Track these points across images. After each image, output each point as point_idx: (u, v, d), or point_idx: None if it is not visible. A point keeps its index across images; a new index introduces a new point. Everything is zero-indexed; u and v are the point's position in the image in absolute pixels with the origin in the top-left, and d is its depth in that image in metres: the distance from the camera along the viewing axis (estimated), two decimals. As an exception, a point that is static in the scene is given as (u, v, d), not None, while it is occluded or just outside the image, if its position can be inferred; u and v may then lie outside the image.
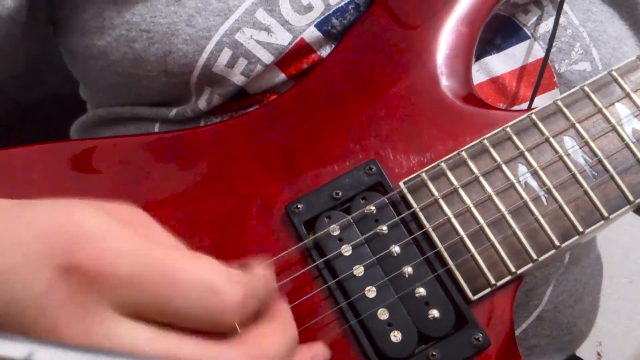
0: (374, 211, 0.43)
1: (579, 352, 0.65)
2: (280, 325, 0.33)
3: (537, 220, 0.42)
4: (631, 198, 0.42)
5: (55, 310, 0.28)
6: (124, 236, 0.30)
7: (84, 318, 0.28)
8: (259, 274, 0.32)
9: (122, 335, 0.28)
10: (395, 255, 0.42)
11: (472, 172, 0.43)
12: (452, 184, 0.43)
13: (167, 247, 0.31)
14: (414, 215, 0.43)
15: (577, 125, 0.43)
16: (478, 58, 0.52)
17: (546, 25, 0.53)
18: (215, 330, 0.30)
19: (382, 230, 0.42)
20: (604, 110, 0.44)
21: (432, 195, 0.43)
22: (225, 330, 0.30)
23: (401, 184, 0.43)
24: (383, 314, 0.41)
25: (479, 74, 0.52)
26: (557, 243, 0.41)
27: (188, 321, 0.29)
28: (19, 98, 0.74)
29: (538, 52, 0.52)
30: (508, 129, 0.44)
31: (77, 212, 0.30)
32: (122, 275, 0.29)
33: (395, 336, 0.41)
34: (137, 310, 0.29)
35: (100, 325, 0.28)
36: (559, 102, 0.44)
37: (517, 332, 0.54)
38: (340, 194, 0.43)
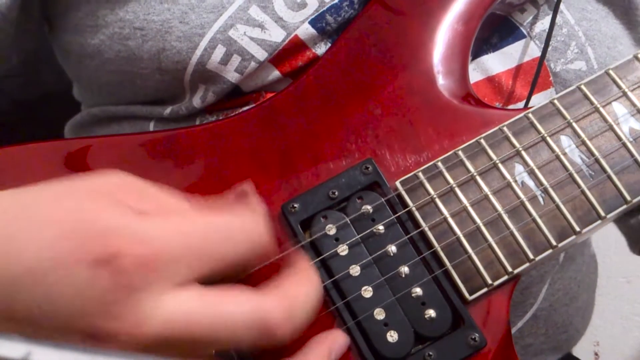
0: (370, 210, 0.43)
1: (576, 352, 0.65)
2: (304, 274, 0.35)
3: (533, 220, 0.42)
4: (628, 197, 0.42)
5: (106, 296, 0.29)
6: (146, 218, 0.31)
7: (137, 297, 0.29)
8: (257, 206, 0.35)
9: (177, 304, 0.30)
10: (392, 255, 0.42)
11: (469, 172, 0.43)
12: (448, 183, 0.43)
13: (186, 210, 0.33)
14: (410, 214, 0.43)
15: (574, 124, 0.43)
16: (474, 57, 0.52)
17: (542, 25, 0.53)
18: (254, 266, 0.34)
19: (379, 229, 0.42)
20: (601, 109, 0.43)
21: (429, 194, 0.43)
22: (265, 258, 0.35)
23: (397, 183, 0.43)
24: (379, 314, 0.41)
25: (476, 73, 0.52)
26: (553, 243, 0.41)
27: (242, 263, 0.33)
28: (16, 96, 0.74)
29: (534, 51, 0.52)
30: (504, 128, 0.44)
31: (86, 205, 0.30)
32: (172, 251, 0.30)
33: (392, 336, 0.41)
34: (190, 275, 0.31)
35: (154, 301, 0.29)
36: (556, 101, 0.44)
37: (512, 331, 0.54)
38: (336, 193, 0.43)
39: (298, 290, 0.33)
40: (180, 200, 0.34)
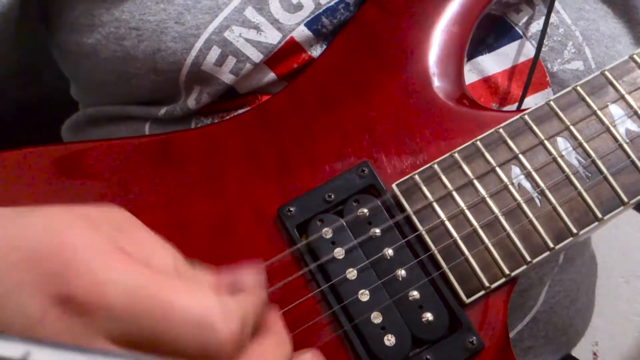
0: (367, 214, 0.43)
1: (575, 352, 0.65)
2: (276, 339, 0.33)
3: (530, 222, 0.42)
4: (625, 199, 0.42)
5: (50, 338, 0.28)
6: (114, 260, 0.29)
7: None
8: (252, 292, 0.32)
9: None
10: (389, 258, 0.42)
11: (466, 174, 0.43)
12: (445, 185, 0.43)
13: (160, 273, 0.30)
14: (407, 217, 0.42)
15: (571, 126, 0.43)
16: (470, 58, 0.52)
17: (538, 25, 0.53)
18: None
19: (376, 233, 0.42)
20: (597, 111, 0.43)
21: (425, 197, 0.42)
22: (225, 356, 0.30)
23: (394, 186, 0.43)
24: (377, 318, 0.41)
25: (471, 74, 0.52)
26: (551, 245, 0.41)
27: (182, 354, 0.29)
28: (15, 96, 0.74)
29: (530, 51, 0.52)
30: (501, 130, 0.43)
31: (65, 232, 0.29)
32: (115, 307, 0.28)
33: (389, 340, 0.41)
34: (130, 340, 0.29)
35: None
36: (552, 103, 0.44)
37: (512, 334, 0.54)
38: (332, 196, 0.43)
39: (268, 358, 0.31)
40: (166, 258, 0.32)
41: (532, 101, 0.51)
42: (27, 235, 0.29)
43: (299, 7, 0.48)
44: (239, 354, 0.30)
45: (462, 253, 0.41)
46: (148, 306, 0.29)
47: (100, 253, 0.29)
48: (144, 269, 0.30)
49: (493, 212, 0.42)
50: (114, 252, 0.30)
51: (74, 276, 0.28)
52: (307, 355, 0.36)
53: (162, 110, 0.52)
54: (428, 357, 0.40)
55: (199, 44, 0.47)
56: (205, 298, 0.30)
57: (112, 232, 0.30)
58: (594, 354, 1.10)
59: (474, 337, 0.41)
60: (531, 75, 0.50)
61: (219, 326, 0.29)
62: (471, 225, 0.42)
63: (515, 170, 0.43)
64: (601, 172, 0.42)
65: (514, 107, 0.52)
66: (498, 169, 0.43)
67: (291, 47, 0.49)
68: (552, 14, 0.52)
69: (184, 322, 0.29)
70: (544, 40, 0.51)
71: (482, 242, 0.41)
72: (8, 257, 0.28)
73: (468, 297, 0.41)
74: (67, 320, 0.28)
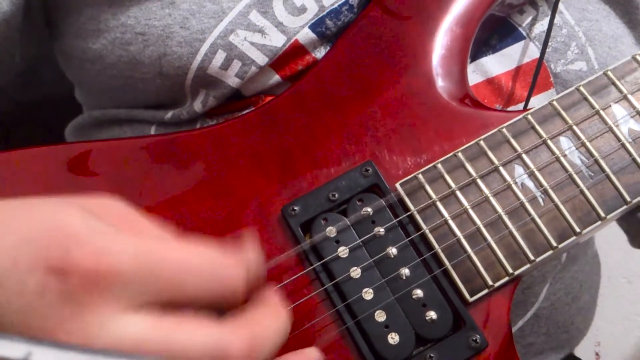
0: (371, 213, 0.43)
1: (577, 352, 0.65)
2: (273, 309, 0.33)
3: (533, 221, 0.42)
4: (628, 198, 0.42)
5: (52, 310, 0.27)
6: (114, 233, 0.29)
7: (83, 316, 0.28)
8: (251, 256, 0.33)
9: (124, 328, 0.28)
10: (392, 257, 0.42)
11: (469, 174, 0.43)
12: (448, 184, 0.43)
13: (160, 237, 0.31)
14: (410, 216, 0.43)
15: (574, 126, 0.43)
16: (474, 59, 0.52)
17: (541, 26, 0.53)
18: (220, 306, 0.31)
19: (379, 232, 0.42)
20: (601, 111, 0.44)
21: (429, 196, 0.43)
22: (231, 305, 0.32)
23: (398, 185, 0.43)
24: (380, 316, 0.41)
25: (475, 75, 0.52)
26: (554, 244, 0.41)
27: (196, 302, 0.30)
28: (17, 98, 0.74)
29: (533, 52, 0.52)
30: (504, 130, 0.44)
31: (60, 213, 0.29)
32: (126, 271, 0.28)
33: (393, 338, 0.41)
34: (141, 301, 0.29)
35: (100, 322, 0.28)
36: (555, 103, 0.44)
37: (513, 330, 0.54)
38: (336, 195, 0.43)
39: (264, 324, 0.32)
40: (164, 229, 0.32)
41: (536, 101, 0.51)
42: (23, 219, 0.29)
43: (302, 10, 0.49)
44: (237, 312, 0.31)
45: (466, 252, 0.42)
46: (159, 265, 0.29)
47: (98, 229, 0.29)
48: (146, 237, 0.30)
49: (496, 211, 0.42)
50: (112, 230, 0.30)
51: (75, 247, 0.28)
52: (312, 352, 0.36)
53: (169, 114, 0.52)
54: (431, 355, 0.41)
55: (204, 48, 0.48)
56: (210, 251, 0.31)
57: (109, 219, 0.30)
58: (596, 354, 1.10)
59: (478, 336, 0.41)
60: (537, 75, 0.50)
61: (229, 270, 0.31)
62: (475, 224, 0.42)
63: (519, 169, 0.43)
64: (604, 171, 0.42)
65: (517, 107, 0.52)
66: (501, 168, 0.43)
67: (296, 50, 0.49)
68: (556, 15, 0.52)
69: (197, 270, 0.30)
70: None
71: (486, 240, 0.42)
72: (5, 238, 0.28)
73: (471, 295, 0.41)
74: (68, 290, 0.27)
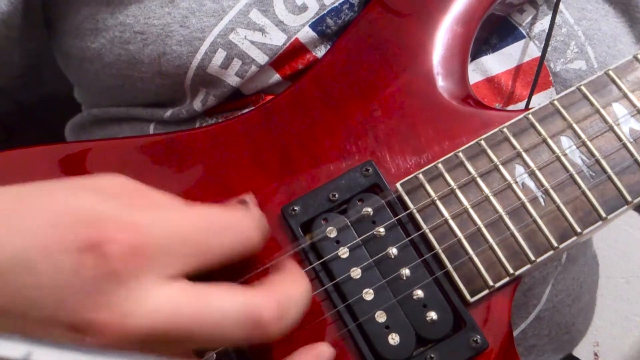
0: (371, 213, 0.43)
1: (576, 352, 0.65)
2: (294, 273, 0.35)
3: (534, 221, 0.42)
4: (629, 198, 0.42)
5: (91, 285, 0.28)
6: (134, 208, 0.30)
7: (120, 290, 0.28)
8: (253, 209, 0.36)
9: (164, 296, 0.29)
10: (393, 257, 0.42)
11: (469, 173, 0.43)
12: (449, 185, 0.43)
13: (172, 206, 0.33)
14: (411, 216, 0.43)
15: (574, 125, 0.43)
16: (474, 58, 0.52)
17: (541, 25, 0.53)
18: (249, 255, 0.34)
19: (379, 232, 0.42)
20: (601, 110, 0.43)
21: (429, 196, 0.43)
22: (253, 252, 0.34)
23: (398, 185, 0.43)
24: (381, 317, 0.41)
25: (475, 74, 0.52)
26: (555, 244, 0.41)
27: (223, 259, 0.32)
28: (17, 98, 0.74)
29: (533, 51, 0.52)
30: (505, 130, 0.44)
31: (77, 197, 0.30)
32: (161, 242, 0.30)
33: (393, 339, 0.41)
34: (179, 267, 0.30)
35: (140, 292, 0.29)
36: (556, 102, 0.44)
37: (516, 333, 0.54)
38: (336, 195, 0.43)
39: (288, 288, 0.34)
40: (173, 198, 0.34)
41: (536, 100, 0.51)
42: (42, 204, 0.29)
43: (303, 8, 0.49)
44: (261, 277, 0.35)
45: (466, 252, 0.41)
46: (185, 231, 0.31)
47: (120, 207, 0.30)
48: (164, 208, 0.32)
49: (497, 211, 0.42)
50: (131, 205, 0.31)
51: (104, 225, 0.29)
52: (323, 346, 0.38)
53: (168, 113, 0.52)
54: (432, 356, 0.41)
55: (204, 47, 0.48)
56: (221, 210, 0.34)
57: (122, 196, 0.31)
58: (595, 354, 1.10)
59: (478, 336, 0.41)
60: (538, 74, 0.50)
61: (245, 222, 0.34)
62: (475, 224, 0.42)
63: (519, 169, 0.43)
64: (605, 171, 0.42)
65: (517, 106, 0.52)
66: (502, 168, 0.43)
67: (296, 49, 0.49)
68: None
69: (219, 229, 0.32)
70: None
71: (486, 241, 0.42)
72: (30, 223, 0.28)
73: (472, 296, 0.41)
74: (108, 265, 0.28)
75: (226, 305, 0.30)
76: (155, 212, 0.31)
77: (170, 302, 0.29)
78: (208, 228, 0.32)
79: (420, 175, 0.43)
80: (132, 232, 0.29)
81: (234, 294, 0.31)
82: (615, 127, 0.43)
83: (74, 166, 0.45)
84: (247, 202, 0.37)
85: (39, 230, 0.28)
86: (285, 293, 0.33)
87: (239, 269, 0.40)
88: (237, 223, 0.33)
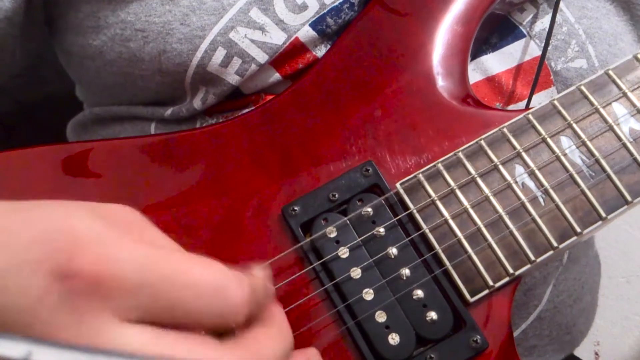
0: (371, 213, 0.43)
1: (576, 352, 0.65)
2: (277, 330, 0.33)
3: (534, 221, 0.42)
4: (629, 198, 0.42)
5: (51, 315, 0.27)
6: (122, 241, 0.29)
7: (81, 324, 0.27)
8: (259, 276, 0.32)
9: (121, 339, 0.28)
10: (393, 257, 0.42)
11: (469, 173, 0.43)
12: (449, 184, 0.43)
13: (168, 250, 0.31)
14: (410, 216, 0.43)
15: (574, 125, 0.43)
16: (474, 57, 0.52)
17: (542, 24, 0.53)
18: (220, 329, 0.30)
19: (379, 232, 0.42)
20: (601, 109, 0.43)
21: (429, 196, 0.43)
22: (232, 326, 0.30)
23: (398, 185, 0.43)
24: (381, 317, 0.41)
25: (475, 73, 0.52)
26: (554, 244, 0.41)
27: (197, 321, 0.29)
28: (18, 97, 0.74)
29: (534, 50, 0.52)
30: (504, 129, 0.44)
31: (70, 217, 0.29)
32: (129, 281, 0.28)
33: (393, 339, 0.41)
34: (142, 314, 0.28)
35: (97, 331, 0.28)
36: (556, 102, 0.44)
37: (516, 333, 0.54)
38: (336, 195, 0.43)
39: (266, 346, 0.31)
40: (174, 244, 0.32)
41: (536, 99, 0.51)
42: (33, 220, 0.29)
43: (303, 7, 0.48)
44: (239, 332, 0.31)
45: (466, 252, 0.41)
46: (162, 277, 0.28)
47: (106, 236, 0.29)
48: (153, 248, 0.29)
49: (497, 211, 0.42)
50: (116, 232, 0.29)
51: (80, 252, 0.28)
52: (312, 351, 0.36)
53: (168, 111, 0.52)
54: (432, 356, 0.41)
55: (204, 45, 0.48)
56: (217, 267, 0.30)
57: (119, 225, 0.30)
58: (596, 353, 1.10)
59: (478, 336, 0.41)
60: (539, 73, 0.50)
61: (232, 291, 0.29)
62: (475, 224, 0.42)
63: (519, 168, 0.43)
64: (605, 171, 0.42)
65: (517, 106, 0.52)
66: (502, 168, 0.43)
67: (296, 48, 0.49)
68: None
69: (200, 288, 0.29)
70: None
71: (486, 241, 0.42)
72: (10, 241, 0.28)
73: (472, 296, 0.41)
74: (70, 296, 0.27)
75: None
76: (142, 249, 0.29)
77: (129, 345, 0.28)
78: (190, 283, 0.29)
79: (420, 175, 0.43)
80: (101, 264, 0.28)
81: (203, 347, 0.29)
82: (615, 127, 0.43)
83: (74, 166, 0.45)
84: (255, 275, 0.33)
85: (20, 246, 0.28)
86: (261, 351, 0.31)
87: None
88: (224, 290, 0.30)
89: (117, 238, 0.29)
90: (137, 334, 0.28)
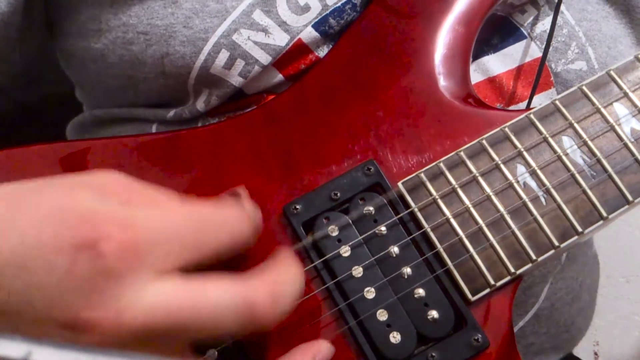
0: (373, 211, 0.43)
1: (576, 352, 0.65)
2: (285, 261, 0.35)
3: (536, 220, 0.42)
4: (630, 198, 0.42)
5: (83, 285, 0.28)
6: (129, 205, 0.31)
7: (116, 287, 0.28)
8: (246, 203, 0.36)
9: (161, 289, 0.30)
10: (394, 255, 0.42)
11: (471, 172, 0.43)
12: (450, 184, 0.43)
13: (167, 203, 0.33)
14: (412, 215, 0.43)
15: (576, 125, 0.43)
16: (475, 58, 0.52)
17: (543, 25, 0.53)
18: (242, 249, 0.34)
19: (381, 230, 0.42)
20: (602, 109, 0.44)
21: (431, 195, 0.43)
22: (245, 247, 0.35)
23: (399, 184, 0.43)
24: (382, 315, 0.41)
25: (476, 74, 0.52)
26: (556, 243, 0.41)
27: (217, 254, 0.33)
28: (18, 98, 0.74)
29: (535, 51, 0.52)
30: (506, 129, 0.44)
31: (72, 195, 0.30)
32: (154, 237, 0.30)
33: (395, 337, 0.41)
34: (170, 265, 0.30)
35: (134, 290, 0.29)
36: (557, 102, 0.44)
37: (514, 330, 0.54)
38: (338, 194, 0.43)
39: (281, 275, 0.34)
40: (168, 194, 0.34)
41: (537, 101, 0.52)
42: (36, 201, 0.30)
43: (306, 8, 0.49)
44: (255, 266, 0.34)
45: (468, 251, 0.42)
46: (180, 227, 0.31)
47: (115, 205, 0.30)
48: (159, 205, 0.32)
49: (498, 210, 0.42)
50: (127, 202, 0.31)
51: (100, 223, 0.29)
52: (323, 345, 0.38)
53: (171, 113, 0.52)
54: (433, 354, 0.41)
55: (207, 47, 0.48)
56: (215, 206, 0.34)
57: (117, 193, 0.31)
58: (595, 353, 1.10)
59: (479, 335, 0.41)
60: (539, 74, 0.50)
61: (238, 218, 0.35)
62: (476, 223, 0.42)
63: (520, 168, 0.43)
64: (606, 171, 0.42)
65: (518, 106, 0.52)
66: (503, 167, 0.43)
67: (299, 49, 0.49)
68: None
69: (213, 225, 0.33)
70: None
71: (488, 240, 0.42)
72: (26, 221, 0.29)
73: (473, 295, 0.41)
74: (103, 264, 0.28)
75: (220, 297, 0.31)
76: (149, 208, 0.31)
77: (164, 296, 0.29)
78: (202, 223, 0.32)
79: (422, 174, 0.43)
80: (126, 229, 0.29)
81: (227, 284, 0.31)
82: (617, 127, 0.43)
83: (74, 164, 0.45)
84: (239, 195, 0.38)
85: (32, 228, 0.28)
86: (278, 280, 0.33)
87: (239, 268, 0.40)
88: (230, 218, 0.34)
89: (125, 203, 0.31)
90: (169, 284, 0.30)
